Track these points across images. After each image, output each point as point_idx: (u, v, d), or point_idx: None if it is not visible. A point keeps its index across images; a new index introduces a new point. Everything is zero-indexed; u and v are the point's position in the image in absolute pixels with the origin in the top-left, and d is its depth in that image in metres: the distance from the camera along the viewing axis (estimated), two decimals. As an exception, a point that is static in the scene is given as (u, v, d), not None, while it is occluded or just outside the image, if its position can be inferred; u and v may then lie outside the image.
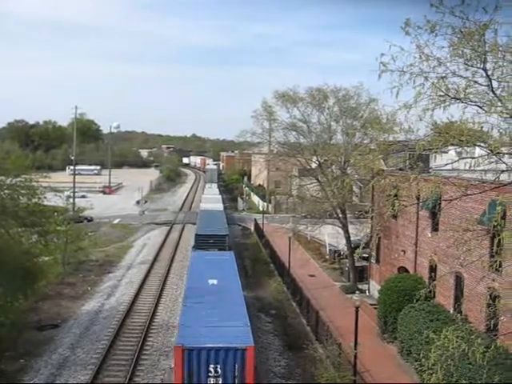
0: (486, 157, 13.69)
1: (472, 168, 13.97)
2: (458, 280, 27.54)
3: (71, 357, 29.24)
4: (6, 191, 33.32)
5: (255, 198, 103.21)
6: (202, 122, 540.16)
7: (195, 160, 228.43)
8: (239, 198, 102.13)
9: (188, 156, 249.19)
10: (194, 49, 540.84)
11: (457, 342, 13.38)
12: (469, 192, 15.62)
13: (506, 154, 14.14)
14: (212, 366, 20.44)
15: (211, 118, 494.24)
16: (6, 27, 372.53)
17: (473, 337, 13.76)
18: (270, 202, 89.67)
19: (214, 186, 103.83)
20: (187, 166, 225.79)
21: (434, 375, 13.81)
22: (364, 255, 42.06)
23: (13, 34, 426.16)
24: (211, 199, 71.59)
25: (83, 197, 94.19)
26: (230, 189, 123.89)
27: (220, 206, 64.89)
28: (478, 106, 13.31)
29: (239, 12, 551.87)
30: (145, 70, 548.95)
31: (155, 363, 28.40)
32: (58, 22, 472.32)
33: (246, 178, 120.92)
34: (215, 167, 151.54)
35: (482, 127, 13.26)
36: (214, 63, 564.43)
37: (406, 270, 34.75)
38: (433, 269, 30.61)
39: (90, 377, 26.16)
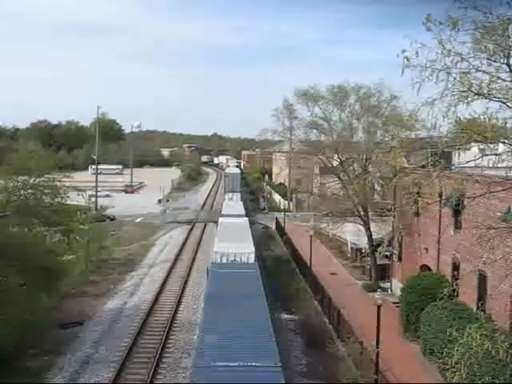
0: (510, 153, 13.56)
1: (495, 165, 13.84)
2: (482, 278, 27.28)
3: (94, 354, 29.47)
4: (29, 191, 33.66)
5: (276, 197, 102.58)
6: (222, 121, 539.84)
7: (222, 160, 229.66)
8: (260, 197, 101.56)
9: (210, 155, 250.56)
10: (208, 49, 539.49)
11: (480, 339, 13.28)
12: (492, 189, 15.46)
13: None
14: None
15: (231, 117, 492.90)
16: (6, 27, 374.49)
17: (496, 335, 13.66)
18: (291, 201, 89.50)
19: (237, 197, 73.35)
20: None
21: (457, 373, 13.71)
22: (386, 253, 41.85)
23: (13, 34, 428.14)
24: (233, 234, 41.53)
25: (107, 196, 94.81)
26: (252, 188, 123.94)
27: (251, 256, 35.25)
28: (502, 101, 13.18)
29: (251, 11, 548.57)
30: (157, 70, 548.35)
31: (177, 361, 28.50)
32: (58, 21, 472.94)
33: (267, 177, 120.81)
34: (237, 170, 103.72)
35: (505, 123, 13.13)
36: (229, 62, 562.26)
37: (429, 268, 34.49)
38: (456, 267, 30.36)
39: (113, 374, 26.35)
